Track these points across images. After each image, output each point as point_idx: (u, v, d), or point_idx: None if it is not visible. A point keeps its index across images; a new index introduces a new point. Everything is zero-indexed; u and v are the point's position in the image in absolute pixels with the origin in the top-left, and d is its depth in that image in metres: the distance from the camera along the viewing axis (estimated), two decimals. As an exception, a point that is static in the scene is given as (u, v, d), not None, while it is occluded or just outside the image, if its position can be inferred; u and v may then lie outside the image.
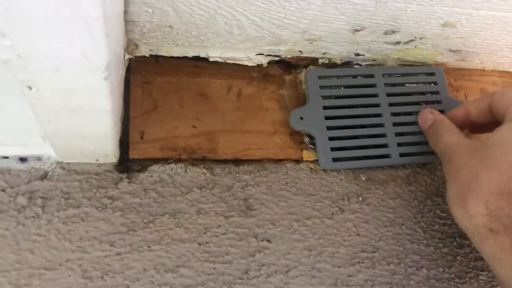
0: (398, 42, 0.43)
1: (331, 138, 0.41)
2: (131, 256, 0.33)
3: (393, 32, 0.41)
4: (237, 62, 0.44)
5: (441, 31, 0.41)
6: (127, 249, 0.33)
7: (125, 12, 0.35)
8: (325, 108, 0.42)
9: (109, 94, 0.24)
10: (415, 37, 0.42)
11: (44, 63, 0.21)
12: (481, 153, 0.33)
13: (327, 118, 0.42)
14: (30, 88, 0.23)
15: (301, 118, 0.41)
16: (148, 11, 0.36)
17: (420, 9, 0.38)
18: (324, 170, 0.41)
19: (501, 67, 0.49)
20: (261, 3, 0.36)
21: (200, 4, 0.35)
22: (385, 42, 0.43)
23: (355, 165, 0.41)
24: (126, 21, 0.37)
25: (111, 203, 0.35)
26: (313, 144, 0.42)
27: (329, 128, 0.41)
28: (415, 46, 0.44)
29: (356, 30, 0.40)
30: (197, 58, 0.43)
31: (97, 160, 0.36)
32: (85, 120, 0.27)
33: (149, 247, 0.34)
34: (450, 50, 0.45)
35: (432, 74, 0.46)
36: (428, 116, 0.41)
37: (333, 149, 0.41)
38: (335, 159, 0.41)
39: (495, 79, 0.49)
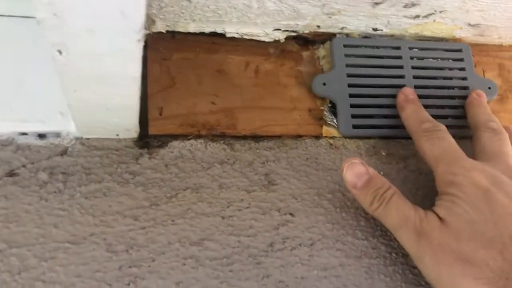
0: (418, 16, 0.42)
1: (352, 106, 0.41)
2: (155, 230, 0.33)
3: (413, 5, 0.40)
4: (254, 38, 0.43)
5: (461, 3, 0.41)
6: (150, 223, 0.33)
7: (144, -15, 0.35)
8: (348, 76, 0.42)
9: (140, 59, 0.24)
10: (435, 11, 0.42)
11: (80, 22, 0.20)
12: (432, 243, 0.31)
13: (350, 85, 0.42)
14: (60, 52, 0.22)
15: (324, 84, 0.41)
16: (166, -16, 0.35)
17: (442, -21, 0.37)
18: (344, 146, 0.41)
19: (520, 41, 0.49)
20: (281, -26, 0.35)
21: (219, -25, 0.34)
22: (404, 16, 0.42)
23: (375, 133, 0.41)
24: (144, -5, 0.36)
25: (132, 178, 0.35)
26: (333, 112, 0.41)
27: (351, 95, 0.41)
28: (434, 20, 0.43)
29: (376, 3, 0.40)
30: (214, 34, 0.42)
31: (117, 135, 0.35)
32: (112, 89, 0.27)
33: (173, 221, 0.33)
34: (469, 24, 0.45)
35: (458, 50, 0.46)
36: (360, 169, 0.35)
37: (354, 116, 0.41)
38: (355, 126, 0.41)
39: (513, 55, 0.49)
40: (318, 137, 0.41)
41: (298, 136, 0.41)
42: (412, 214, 0.33)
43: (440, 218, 0.32)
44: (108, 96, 0.28)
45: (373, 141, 0.42)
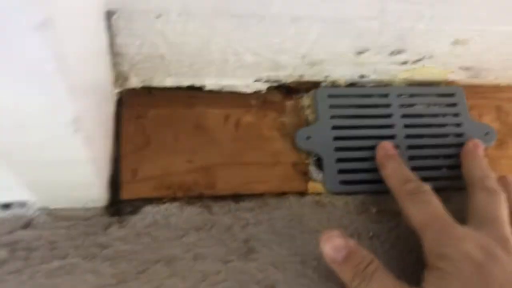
0: (406, 62, 0.40)
1: (339, 160, 0.39)
2: (121, 312, 0.30)
3: (400, 52, 0.38)
4: (234, 89, 0.41)
5: (451, 49, 0.38)
6: (117, 303, 0.30)
7: (112, 44, 0.33)
8: (334, 128, 0.40)
9: (82, 145, 0.22)
10: (423, 56, 0.39)
11: (9, 117, 0.18)
12: None
13: (336, 138, 0.39)
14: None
15: (308, 138, 0.39)
16: (136, 43, 0.33)
17: (428, 27, 0.35)
18: (332, 203, 0.38)
19: (518, 81, 0.46)
20: (257, 29, 0.33)
21: (191, 34, 0.33)
22: (392, 63, 0.40)
23: (364, 188, 0.39)
24: (114, 54, 0.34)
25: (100, 252, 0.32)
26: (320, 166, 0.39)
27: (337, 149, 0.39)
28: (424, 66, 0.41)
29: (359, 52, 0.38)
30: (192, 88, 0.40)
31: (84, 205, 0.33)
32: (62, 172, 0.25)
33: (141, 300, 0.31)
34: (462, 68, 0.42)
35: (451, 95, 0.43)
36: (339, 243, 0.32)
37: (340, 171, 0.38)
38: (342, 182, 0.38)
39: (511, 95, 0.46)
40: (303, 193, 0.39)
41: (282, 194, 0.38)
42: None
43: None
44: (61, 176, 0.26)
45: (362, 196, 0.39)
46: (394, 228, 0.38)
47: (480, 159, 0.38)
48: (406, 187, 0.34)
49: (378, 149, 0.39)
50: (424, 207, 0.33)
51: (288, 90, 0.42)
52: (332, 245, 0.32)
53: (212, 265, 0.33)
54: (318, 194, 0.39)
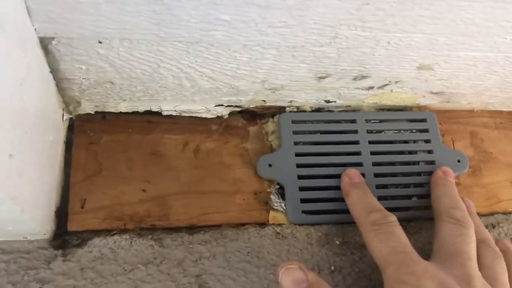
0: (371, 87, 0.39)
1: (302, 188, 0.37)
2: None
3: (363, 77, 0.37)
4: (194, 114, 0.39)
5: (417, 73, 0.37)
6: None
7: (57, 70, 0.32)
8: (297, 155, 0.38)
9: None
10: (390, 81, 0.38)
11: None
12: None
13: (299, 166, 0.37)
14: None
15: (270, 165, 0.37)
16: (81, 68, 0.32)
17: (389, 52, 0.33)
18: (293, 234, 0.36)
19: (492, 106, 0.45)
20: (208, 55, 0.32)
21: (138, 58, 0.31)
22: (356, 88, 0.38)
23: (328, 219, 0.37)
24: (60, 79, 0.33)
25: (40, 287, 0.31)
26: (282, 195, 0.37)
27: (300, 177, 0.37)
28: (391, 90, 0.40)
29: (321, 78, 0.36)
30: (149, 113, 0.39)
31: (25, 238, 0.31)
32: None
33: None
34: (432, 92, 0.41)
35: (422, 120, 0.42)
36: (298, 276, 0.29)
37: (303, 200, 0.36)
38: (305, 212, 0.36)
39: (486, 120, 0.45)
40: (263, 224, 0.37)
41: (241, 225, 0.37)
42: None
43: None
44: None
45: (326, 227, 0.37)
46: (358, 262, 0.36)
47: (450, 187, 0.37)
48: (370, 218, 0.33)
49: (342, 177, 0.37)
50: (387, 240, 0.31)
51: (252, 115, 0.41)
52: (291, 278, 0.30)
53: (158, 303, 0.31)
54: (280, 225, 0.37)
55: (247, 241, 0.35)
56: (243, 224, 0.37)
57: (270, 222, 0.37)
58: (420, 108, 0.43)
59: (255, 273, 0.34)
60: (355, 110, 0.42)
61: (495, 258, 0.32)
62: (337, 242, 0.37)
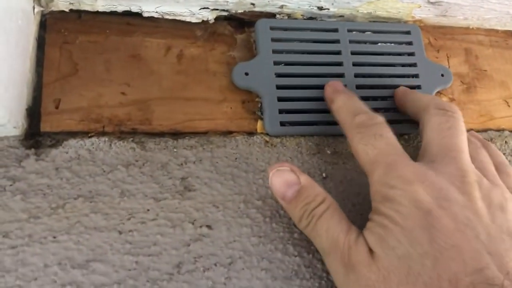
0: (367, -9, 0.36)
1: (280, 99, 0.35)
2: (29, 250, 0.26)
3: (360, -24, 0.34)
4: (177, 17, 0.37)
5: (416, -25, 0.35)
6: (25, 240, 0.26)
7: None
8: (276, 63, 0.35)
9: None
10: (387, -16, 0.36)
11: None
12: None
13: (277, 75, 0.35)
14: None
15: (246, 74, 0.35)
16: None
17: None
18: (283, 144, 0.35)
19: (488, 24, 0.43)
20: None
21: None
22: (352, -9, 0.36)
23: (307, 130, 0.35)
24: (29, -38, 0.30)
25: (11, 185, 0.28)
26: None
27: (279, 87, 0.35)
28: (388, -4, 0.37)
29: (315, -26, 0.34)
30: (128, 14, 0.36)
31: (-5, 132, 0.29)
32: None
33: (54, 237, 0.27)
34: (429, 2, 0.39)
35: (407, 32, 0.40)
36: (290, 177, 0.28)
37: (282, 111, 0.34)
38: (283, 123, 0.34)
39: (481, 38, 0.43)
40: (252, 133, 0.35)
41: (228, 133, 0.34)
42: (342, 239, 0.26)
43: (369, 249, 0.26)
44: None
45: (317, 137, 0.35)
46: (350, 170, 0.34)
47: (418, 93, 0.35)
48: (356, 120, 0.30)
49: (325, 87, 0.35)
50: (373, 141, 0.29)
51: (240, 23, 0.38)
52: (282, 180, 0.28)
53: (141, 202, 0.29)
54: (269, 134, 0.35)
55: (235, 148, 0.33)
56: (231, 132, 0.34)
57: (259, 131, 0.35)
58: (415, 22, 0.41)
59: (243, 178, 0.32)
60: (348, 20, 0.40)
61: (478, 148, 0.31)
62: (328, 152, 0.35)
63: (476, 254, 0.24)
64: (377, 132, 0.29)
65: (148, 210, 0.29)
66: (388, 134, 0.29)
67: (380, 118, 0.30)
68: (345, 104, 0.32)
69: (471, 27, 0.43)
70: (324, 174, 0.33)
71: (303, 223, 0.28)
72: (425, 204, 0.25)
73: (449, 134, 0.29)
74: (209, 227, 0.29)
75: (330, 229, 0.26)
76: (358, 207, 0.32)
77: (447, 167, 0.27)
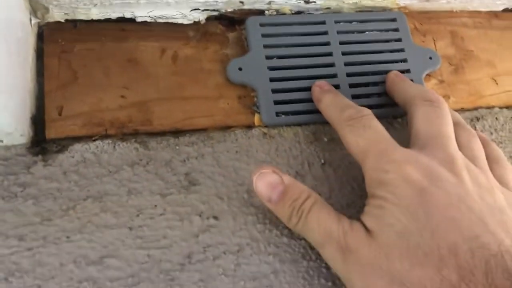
0: (351, -18, 0.38)
1: (274, 91, 0.36)
2: (44, 251, 0.27)
3: (343, -32, 0.36)
4: (170, 20, 0.38)
5: (397, -37, 0.36)
6: (39, 242, 0.27)
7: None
8: (268, 58, 0.37)
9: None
10: (370, -26, 0.37)
11: None
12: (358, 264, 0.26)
13: (270, 68, 0.37)
14: None
15: (240, 69, 0.36)
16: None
17: None
18: (280, 134, 0.36)
19: (470, 6, 0.44)
20: None
21: None
22: (337, -17, 0.37)
23: (303, 119, 0.36)
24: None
25: (22, 191, 0.29)
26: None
27: (272, 79, 0.36)
28: (372, -14, 0.39)
29: (299, -32, 0.35)
30: (122, 20, 0.37)
31: (1, 141, 0.30)
32: None
33: (68, 237, 0.28)
34: (412, -12, 0.40)
35: (392, 20, 0.41)
36: (273, 179, 0.29)
37: (276, 102, 0.36)
38: (279, 113, 0.36)
39: (465, 20, 0.44)
40: (250, 127, 0.36)
41: (227, 128, 0.36)
42: (335, 227, 0.27)
43: (367, 230, 0.27)
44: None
45: (313, 126, 0.37)
46: (348, 155, 0.35)
47: (409, 81, 0.36)
48: (344, 114, 0.31)
49: (313, 88, 0.36)
50: (363, 132, 0.30)
51: (231, 21, 0.39)
52: (266, 182, 0.29)
53: (148, 199, 0.30)
54: (266, 126, 0.36)
55: (235, 142, 0.35)
56: (229, 127, 0.36)
57: (256, 124, 0.36)
58: (400, 9, 0.42)
59: (245, 169, 0.33)
60: (335, 12, 0.41)
61: (471, 137, 0.32)
62: (325, 139, 0.36)
63: (471, 223, 0.25)
64: (365, 123, 0.30)
65: (156, 206, 0.30)
66: (376, 124, 0.31)
67: (367, 110, 0.31)
68: (333, 102, 0.34)
69: (454, 10, 0.44)
70: (322, 161, 0.35)
71: (293, 221, 0.28)
72: (418, 183, 0.26)
73: (437, 123, 0.30)
74: (215, 218, 0.30)
75: (321, 221, 0.27)
76: (357, 189, 0.33)
77: (437, 152, 0.29)
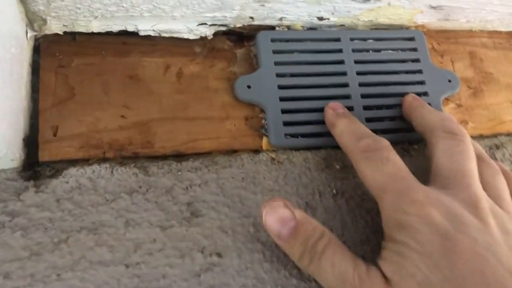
0: (368, 0, 0.35)
1: (284, 111, 0.34)
2: (32, 290, 0.25)
3: (361, -15, 0.33)
4: (175, 35, 0.36)
5: (419, -19, 0.34)
6: (27, 281, 0.25)
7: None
8: (278, 75, 0.35)
9: None
10: (388, -8, 0.35)
11: None
12: None
13: (280, 87, 0.34)
14: None
15: (249, 87, 0.34)
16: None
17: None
18: (289, 160, 0.33)
19: (490, 25, 0.42)
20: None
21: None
22: (352, 0, 0.35)
23: (312, 143, 0.34)
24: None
25: (10, 221, 0.27)
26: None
27: (282, 99, 0.34)
28: (389, 4, 0.36)
29: (315, -15, 0.33)
30: (124, 33, 0.35)
31: (-9, 166, 0.28)
32: None
33: (58, 275, 0.26)
34: (431, 7, 0.38)
35: (411, 39, 0.39)
36: (284, 214, 0.27)
37: (286, 123, 0.33)
38: (288, 135, 0.33)
39: (484, 41, 0.42)
40: (257, 151, 0.34)
41: (233, 152, 0.33)
42: (351, 273, 0.25)
43: (385, 278, 0.25)
44: None
45: (324, 152, 0.34)
46: (361, 185, 0.33)
47: (428, 106, 0.34)
48: (361, 144, 0.29)
49: (326, 110, 0.34)
50: (381, 166, 0.28)
51: (239, 37, 0.37)
52: (277, 217, 0.27)
53: (147, 232, 0.28)
54: (274, 151, 0.34)
55: (241, 167, 0.32)
56: (235, 151, 0.33)
57: (264, 148, 0.34)
58: (417, 27, 0.40)
59: (251, 199, 0.31)
60: (350, 29, 0.39)
61: (495, 174, 0.30)
62: (337, 167, 0.34)
63: (501, 278, 0.23)
64: (384, 156, 0.28)
65: (155, 240, 0.28)
66: (395, 158, 0.28)
67: (385, 142, 0.29)
68: (347, 128, 0.31)
69: (474, 29, 0.42)
70: (334, 191, 0.32)
71: (304, 261, 0.26)
72: (442, 228, 0.24)
73: (459, 159, 0.28)
74: (219, 255, 0.28)
75: (335, 264, 0.25)
76: (371, 224, 0.31)
77: (460, 193, 0.26)
